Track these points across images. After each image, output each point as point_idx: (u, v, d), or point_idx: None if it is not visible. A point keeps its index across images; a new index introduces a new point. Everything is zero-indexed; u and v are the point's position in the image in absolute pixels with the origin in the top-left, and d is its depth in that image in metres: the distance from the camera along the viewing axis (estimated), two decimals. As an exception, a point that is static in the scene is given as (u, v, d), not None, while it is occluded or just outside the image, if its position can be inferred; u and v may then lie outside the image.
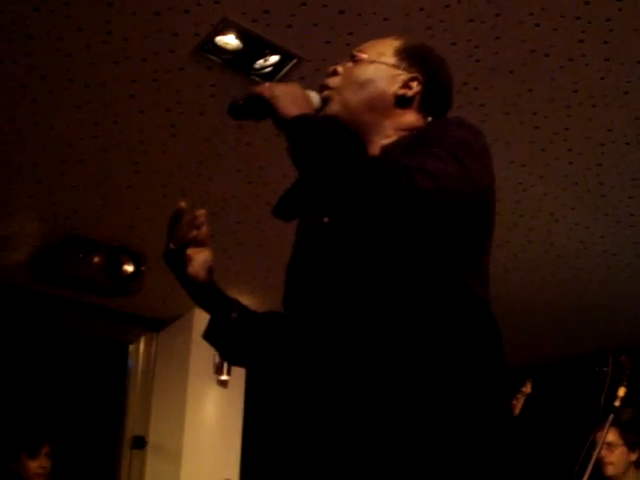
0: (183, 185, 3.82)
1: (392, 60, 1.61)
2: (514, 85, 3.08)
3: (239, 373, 5.44)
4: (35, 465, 4.06)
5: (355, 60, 1.62)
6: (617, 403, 3.15)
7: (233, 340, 1.67)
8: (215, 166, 3.66)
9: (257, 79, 3.01)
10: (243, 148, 3.50)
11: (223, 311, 1.65)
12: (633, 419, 3.46)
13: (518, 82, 3.06)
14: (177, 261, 1.59)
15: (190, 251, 1.58)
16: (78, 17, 2.73)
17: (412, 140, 1.48)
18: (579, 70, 2.98)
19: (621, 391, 3.17)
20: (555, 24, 2.74)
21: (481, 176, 1.43)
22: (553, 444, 5.55)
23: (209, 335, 1.68)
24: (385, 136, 1.56)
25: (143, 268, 4.47)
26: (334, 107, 1.57)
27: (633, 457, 3.45)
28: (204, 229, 1.57)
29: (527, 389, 4.10)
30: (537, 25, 2.75)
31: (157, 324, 5.60)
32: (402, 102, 1.58)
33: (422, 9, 2.69)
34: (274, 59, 2.97)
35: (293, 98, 1.46)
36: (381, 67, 1.59)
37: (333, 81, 1.61)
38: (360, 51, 1.63)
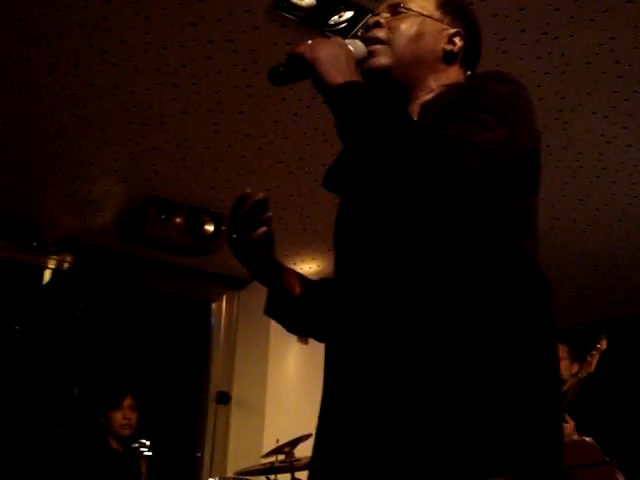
0: (260, 144, 3.85)
1: (437, 14, 1.56)
2: (596, 33, 2.98)
3: (319, 330, 5.51)
4: (119, 416, 4.21)
5: (398, 12, 1.55)
6: None
7: (295, 313, 1.69)
8: (292, 125, 3.67)
9: (332, 35, 3.00)
10: (319, 106, 3.50)
11: (284, 286, 1.66)
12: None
13: (600, 30, 2.96)
14: (241, 246, 1.58)
15: (254, 235, 1.54)
16: (154, -20, 2.76)
17: (453, 97, 1.43)
18: (665, 15, 2.87)
19: None
20: (639, -32, 2.65)
21: (529, 135, 1.40)
22: (628, 401, 5.47)
23: (270, 310, 1.71)
24: (428, 91, 1.52)
25: (223, 227, 4.54)
26: (384, 60, 1.51)
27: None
28: (268, 213, 1.53)
29: (602, 346, 4.03)
30: (620, -30, 2.66)
31: (238, 282, 5.69)
32: (448, 58, 1.55)
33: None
34: (348, 15, 2.95)
35: (336, 61, 1.37)
36: (428, 21, 1.54)
37: (380, 33, 1.53)
38: (404, 3, 1.56)
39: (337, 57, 1.38)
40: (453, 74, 1.55)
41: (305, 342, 5.41)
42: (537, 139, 1.44)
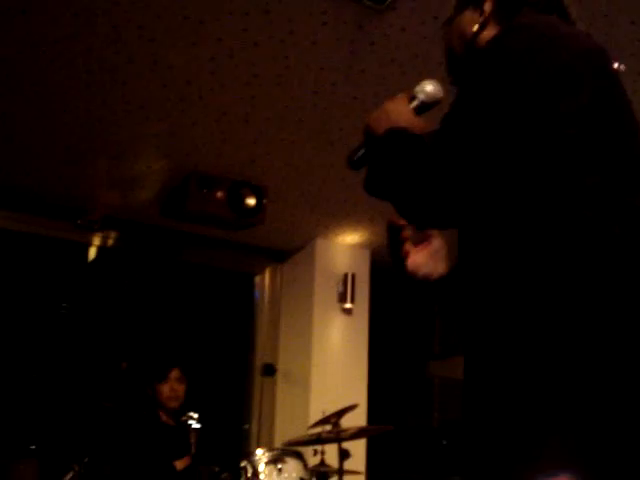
0: (299, 116, 3.84)
1: None
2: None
3: (363, 301, 5.50)
4: (166, 389, 4.26)
5: None
6: None
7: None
8: (330, 95, 3.65)
9: (369, 3, 2.96)
10: (357, 76, 3.47)
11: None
12: None
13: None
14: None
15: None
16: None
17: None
18: None
19: None
20: None
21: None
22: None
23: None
24: None
25: (265, 201, 4.55)
26: None
27: None
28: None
29: None
30: None
31: (281, 255, 5.71)
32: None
33: None
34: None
35: (386, 116, 1.53)
36: None
37: None
38: None
39: (387, 112, 1.55)
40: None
41: (349, 313, 5.43)
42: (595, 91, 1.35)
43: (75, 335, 5.15)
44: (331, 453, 4.15)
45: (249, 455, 3.42)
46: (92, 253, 5.33)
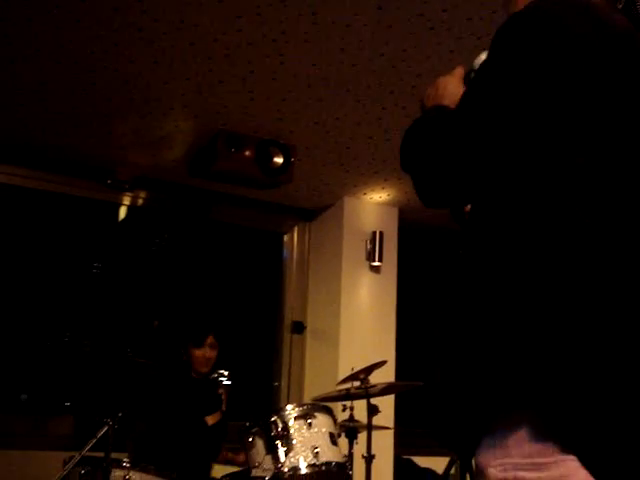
0: (327, 74, 3.82)
1: None
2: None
3: (391, 258, 5.52)
4: (200, 354, 4.33)
5: None
6: None
7: None
8: (358, 52, 3.62)
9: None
10: (384, 31, 3.44)
11: None
12: None
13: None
14: None
15: None
16: None
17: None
18: None
19: None
20: None
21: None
22: None
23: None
24: None
25: (292, 159, 4.55)
26: None
27: None
28: None
29: None
30: None
31: (309, 214, 5.73)
32: None
33: None
34: None
35: (435, 92, 1.53)
36: None
37: None
38: None
39: (436, 87, 1.55)
40: None
41: (377, 271, 5.45)
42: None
43: (107, 294, 5.23)
44: (360, 409, 4.20)
45: (279, 410, 3.47)
46: (122, 213, 5.39)
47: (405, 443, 5.51)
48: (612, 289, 1.19)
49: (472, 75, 1.53)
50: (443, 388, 1.33)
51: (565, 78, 1.26)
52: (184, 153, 4.72)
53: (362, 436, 4.18)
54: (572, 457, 1.14)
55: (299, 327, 5.55)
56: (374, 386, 4.04)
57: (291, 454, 3.28)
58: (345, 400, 4.21)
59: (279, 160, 4.52)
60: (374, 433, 4.11)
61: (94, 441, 3.31)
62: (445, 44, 3.50)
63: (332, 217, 5.51)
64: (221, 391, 4.57)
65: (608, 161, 1.26)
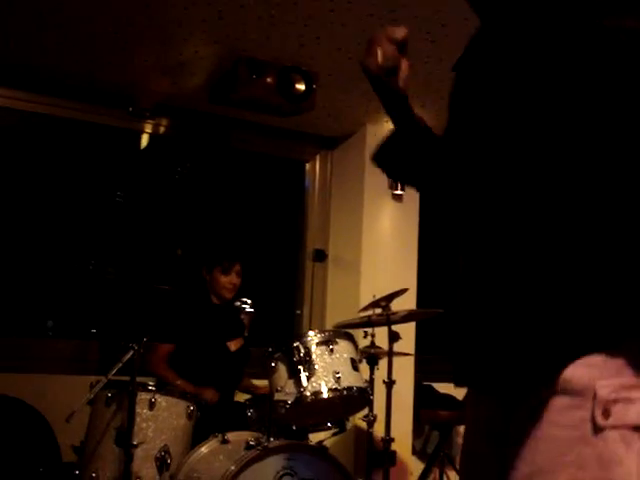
0: (349, -2, 3.74)
1: None
2: None
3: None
4: (226, 280, 4.37)
5: None
6: None
7: (405, 158, 1.69)
8: (381, -25, 3.55)
9: None
10: (409, -47, 3.36)
11: (407, 125, 1.67)
12: None
13: None
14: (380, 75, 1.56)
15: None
16: None
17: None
18: None
19: None
20: None
21: None
22: None
23: (381, 155, 1.71)
24: None
25: (314, 86, 4.49)
26: None
27: None
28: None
29: None
30: None
31: (331, 142, 5.69)
32: None
33: None
34: None
35: None
36: None
37: None
38: None
39: None
40: None
41: (399, 200, 5.43)
42: None
43: (130, 223, 5.26)
44: (381, 336, 4.25)
45: (301, 336, 3.52)
46: (144, 141, 5.38)
47: (425, 370, 5.58)
48: None
49: None
50: (530, 310, 1.29)
51: None
52: (205, 80, 4.68)
53: (383, 362, 4.24)
54: None
55: (321, 255, 5.58)
56: (395, 313, 4.08)
57: (313, 379, 3.33)
58: (366, 327, 4.25)
59: (301, 87, 4.46)
60: (395, 359, 4.17)
61: (120, 365, 3.38)
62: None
63: (354, 145, 5.47)
64: (243, 317, 4.63)
65: None
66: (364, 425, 4.16)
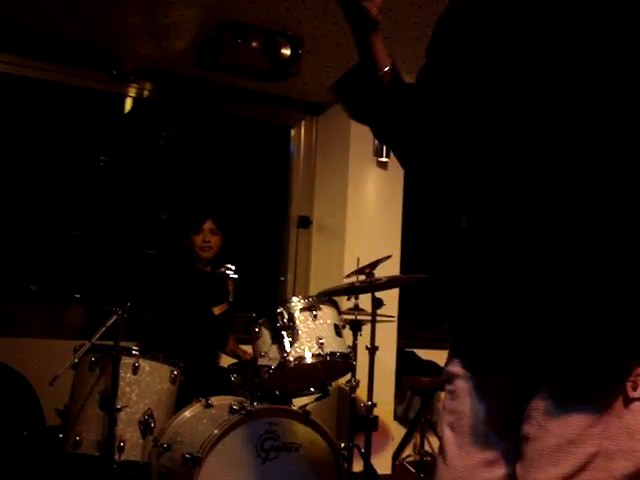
0: (336, -38, 3.70)
1: None
2: None
3: (399, 155, 5.48)
4: (199, 239, 4.35)
5: None
6: None
7: (373, 97, 1.63)
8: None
9: None
10: None
11: (374, 63, 1.61)
12: None
13: None
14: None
15: None
16: None
17: None
18: None
19: None
20: None
21: None
22: None
23: (342, 86, 1.67)
24: None
25: (301, 51, 4.46)
26: None
27: None
28: None
29: None
30: None
31: (317, 108, 5.66)
32: None
33: None
34: None
35: None
36: None
37: None
38: None
39: None
40: None
41: (384, 167, 5.43)
42: None
43: (115, 188, 5.23)
44: (365, 302, 4.27)
45: (285, 302, 3.52)
46: (128, 104, 5.33)
47: (408, 336, 5.62)
48: None
49: None
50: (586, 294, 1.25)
51: None
52: (190, 44, 4.63)
53: (366, 328, 4.27)
54: None
55: (305, 222, 5.57)
56: (379, 280, 4.09)
57: (296, 344, 3.35)
58: (350, 294, 4.27)
59: (287, 52, 4.43)
60: (378, 326, 4.19)
61: (103, 329, 3.38)
62: None
63: (340, 111, 5.36)
64: (228, 282, 4.64)
65: None
66: (347, 390, 4.20)
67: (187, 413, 3.49)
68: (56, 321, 4.82)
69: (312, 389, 3.67)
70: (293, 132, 5.75)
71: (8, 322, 4.60)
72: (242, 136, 5.71)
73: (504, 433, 1.39)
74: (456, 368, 1.50)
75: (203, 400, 3.50)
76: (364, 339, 4.23)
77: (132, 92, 5.20)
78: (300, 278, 5.60)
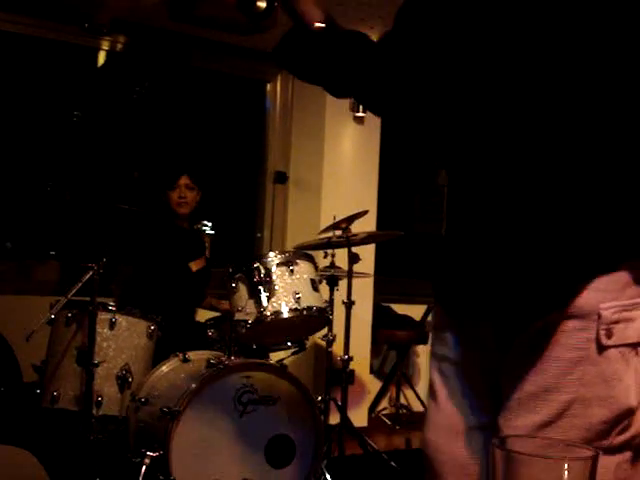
0: None
1: None
2: None
3: (375, 109, 5.46)
4: (175, 195, 4.32)
5: None
6: None
7: (312, 53, 1.59)
8: None
9: None
10: None
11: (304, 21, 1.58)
12: None
13: None
14: None
15: None
16: None
17: None
18: None
19: None
20: None
21: None
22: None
23: (280, 52, 1.63)
24: None
25: (277, 3, 4.39)
26: None
27: None
28: None
29: None
30: None
31: (293, 62, 5.60)
32: None
33: None
34: None
35: None
36: None
37: None
38: None
39: None
40: None
41: (361, 122, 5.41)
42: None
43: (88, 143, 5.18)
44: (341, 257, 4.28)
45: (261, 257, 3.52)
46: (101, 58, 5.25)
47: (384, 291, 5.66)
48: None
49: None
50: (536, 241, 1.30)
51: None
52: (164, -4, 4.56)
53: (342, 283, 4.29)
54: None
55: (282, 177, 5.56)
56: (355, 235, 4.10)
57: (273, 299, 3.35)
58: (326, 248, 4.28)
59: (262, 4, 4.34)
60: (354, 281, 4.22)
61: (79, 285, 3.37)
62: None
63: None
64: (205, 238, 4.63)
65: None
66: (323, 344, 4.23)
67: (164, 368, 3.50)
68: (31, 278, 4.79)
69: (289, 343, 3.68)
70: (269, 87, 5.70)
71: (-17, 279, 4.58)
72: (217, 91, 5.65)
73: (490, 379, 1.41)
74: (441, 315, 1.52)
75: (180, 355, 3.51)
76: (341, 293, 4.26)
77: (105, 45, 5.12)
78: (277, 234, 5.60)
